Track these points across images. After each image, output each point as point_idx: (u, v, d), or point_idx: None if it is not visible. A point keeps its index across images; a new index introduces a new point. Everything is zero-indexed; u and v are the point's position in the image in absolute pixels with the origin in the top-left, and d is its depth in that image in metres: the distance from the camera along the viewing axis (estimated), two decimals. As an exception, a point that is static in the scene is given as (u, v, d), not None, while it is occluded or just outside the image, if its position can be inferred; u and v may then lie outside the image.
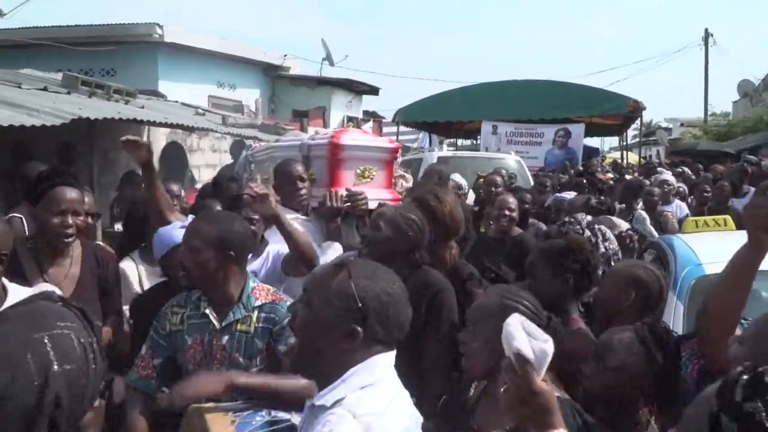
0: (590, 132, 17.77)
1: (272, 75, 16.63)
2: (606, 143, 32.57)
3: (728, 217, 4.24)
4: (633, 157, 20.16)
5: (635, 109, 15.28)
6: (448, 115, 15.69)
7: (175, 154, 10.88)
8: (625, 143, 20.19)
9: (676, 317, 2.87)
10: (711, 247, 3.51)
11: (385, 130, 20.54)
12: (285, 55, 16.94)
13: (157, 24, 11.84)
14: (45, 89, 6.07)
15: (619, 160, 16.54)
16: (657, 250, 4.02)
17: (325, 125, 16.22)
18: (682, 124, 32.49)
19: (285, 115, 15.20)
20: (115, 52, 11.76)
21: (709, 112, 28.18)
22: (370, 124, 20.76)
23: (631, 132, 23.54)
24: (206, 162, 11.45)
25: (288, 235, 2.79)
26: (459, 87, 16.17)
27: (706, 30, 29.06)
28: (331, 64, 17.42)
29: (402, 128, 17.17)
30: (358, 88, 18.15)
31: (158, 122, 6.29)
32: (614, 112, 15.25)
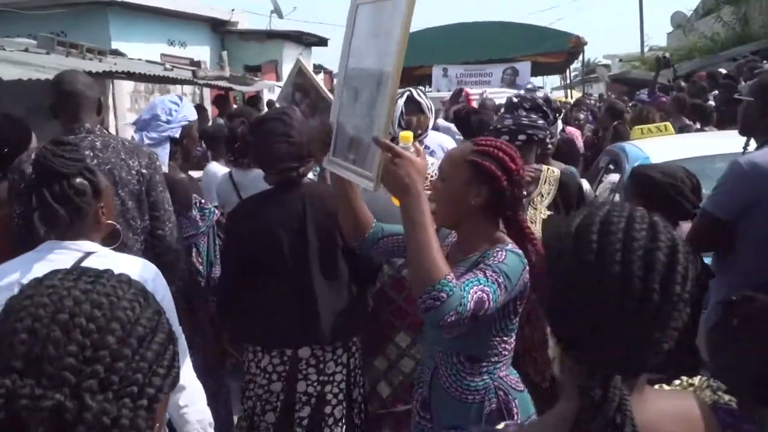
0: (534, 71, 18.47)
1: (221, 31, 16.65)
2: (547, 83, 33.44)
3: (668, 124, 4.92)
4: (576, 95, 20.98)
5: (577, 44, 16.00)
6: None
7: (139, 111, 11.12)
8: (568, 81, 20.96)
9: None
10: (653, 146, 4.21)
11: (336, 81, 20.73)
12: (232, 10, 16.93)
13: (108, -17, 11.81)
14: (26, 50, 6.29)
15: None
16: (610, 155, 4.70)
17: (278, 79, 16.39)
18: (620, 60, 33.49)
19: (237, 70, 15.35)
20: (65, 15, 11.72)
21: (645, 46, 29.19)
22: (321, 76, 20.95)
23: (572, 72, 24.38)
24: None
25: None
26: (410, 33, 16.46)
27: (639, -36, 29.86)
28: (280, 16, 17.48)
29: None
30: (308, 40, 18.29)
31: (150, 75, 6.60)
32: (557, 49, 15.91)
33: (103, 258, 1.87)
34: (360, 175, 1.79)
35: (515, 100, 3.02)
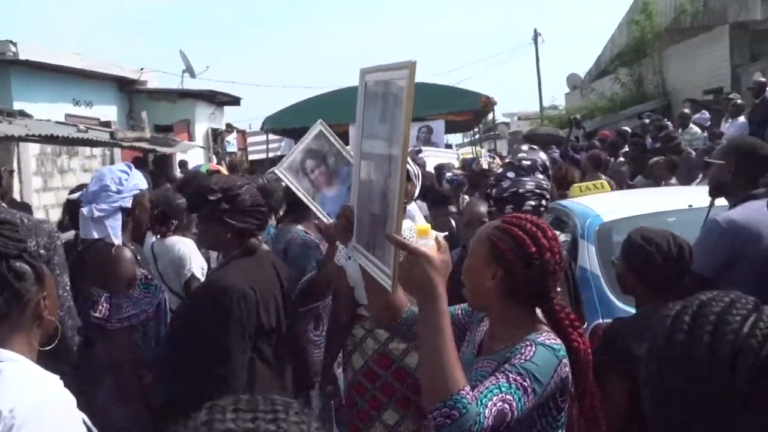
0: (446, 129, 18.97)
1: (129, 90, 16.19)
2: (450, 140, 34.40)
3: (604, 182, 5.08)
4: (480, 151, 21.75)
5: (487, 104, 16.56)
6: (316, 120, 16.07)
7: (46, 174, 10.50)
8: (476, 137, 21.70)
9: (591, 257, 3.58)
10: (600, 203, 4.33)
11: (250, 140, 20.54)
12: (142, 69, 16.53)
13: (11, 41, 11.23)
14: (-72, 112, 5.82)
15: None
16: (553, 213, 4.79)
17: (191, 138, 16.03)
18: (519, 118, 35.22)
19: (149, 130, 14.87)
20: (-38, 73, 11.06)
21: (545, 105, 30.84)
22: (234, 134, 20.69)
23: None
24: (78, 183, 11.06)
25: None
26: (327, 92, 16.57)
27: (535, 30, 31.86)
28: (192, 75, 17.23)
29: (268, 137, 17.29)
30: (220, 99, 18.08)
31: (69, 138, 6.21)
32: (469, 108, 16.41)
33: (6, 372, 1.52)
34: (379, 269, 1.63)
35: (526, 162, 2.77)
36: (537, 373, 1.60)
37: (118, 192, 2.85)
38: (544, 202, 2.67)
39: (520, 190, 2.66)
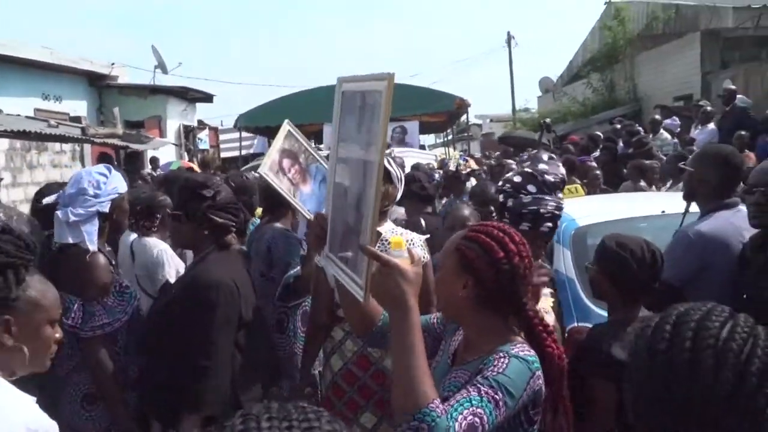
0: (420, 130, 19.02)
1: (99, 85, 15.95)
2: (423, 141, 34.42)
3: (578, 186, 5.14)
4: (453, 153, 21.86)
5: (461, 106, 16.67)
6: (290, 119, 15.89)
7: (15, 170, 10.28)
8: (450, 138, 21.83)
9: (566, 261, 3.61)
10: (575, 207, 4.36)
11: (222, 137, 20.36)
12: (112, 64, 16.28)
13: (-22, 34, 10.98)
14: None
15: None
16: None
17: (162, 135, 15.85)
18: (491, 120, 35.47)
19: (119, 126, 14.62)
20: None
21: (517, 108, 31.09)
22: (206, 132, 20.49)
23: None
24: (48, 179, 10.86)
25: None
26: (301, 90, 16.49)
27: (509, 33, 32.08)
28: (164, 71, 17.03)
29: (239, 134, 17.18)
30: (192, 96, 17.90)
31: (42, 134, 6.08)
32: (444, 110, 16.49)
33: None
34: (352, 280, 1.62)
35: (550, 178, 2.56)
36: (509, 386, 1.58)
37: (96, 196, 2.76)
38: (558, 221, 2.58)
39: (541, 210, 2.52)
